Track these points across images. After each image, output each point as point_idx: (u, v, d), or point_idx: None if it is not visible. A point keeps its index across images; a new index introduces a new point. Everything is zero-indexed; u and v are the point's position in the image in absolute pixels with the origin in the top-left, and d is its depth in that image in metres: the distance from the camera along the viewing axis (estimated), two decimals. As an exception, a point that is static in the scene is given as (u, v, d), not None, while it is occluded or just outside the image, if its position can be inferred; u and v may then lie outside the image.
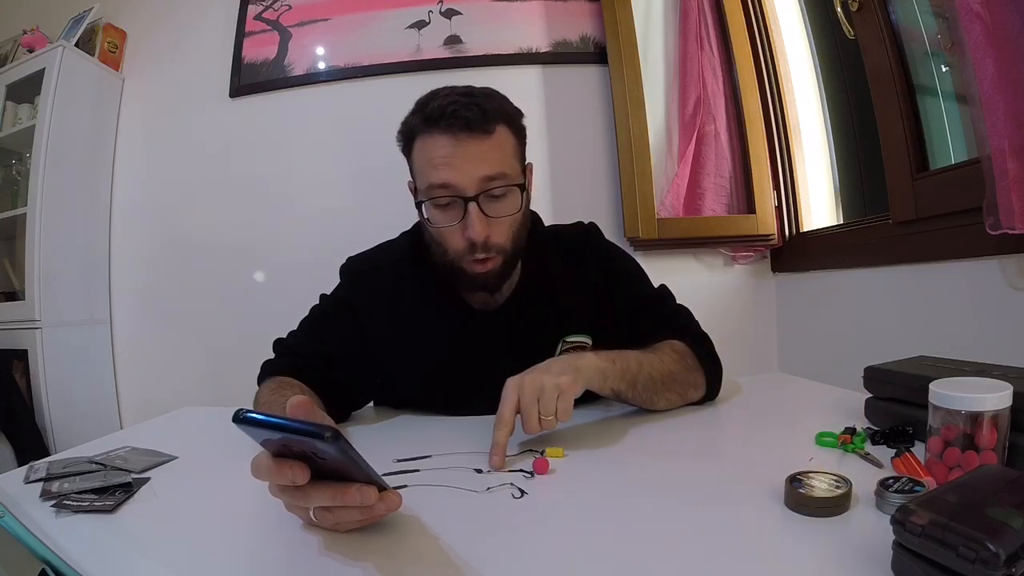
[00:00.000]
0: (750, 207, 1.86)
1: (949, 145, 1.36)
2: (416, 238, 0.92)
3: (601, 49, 1.92)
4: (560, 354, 0.87)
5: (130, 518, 0.54)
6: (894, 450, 0.58)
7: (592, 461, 0.64)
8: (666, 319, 0.90)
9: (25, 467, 0.66)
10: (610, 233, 1.03)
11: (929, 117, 1.36)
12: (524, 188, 0.82)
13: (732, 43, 1.88)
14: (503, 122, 0.79)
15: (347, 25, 1.99)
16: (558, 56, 1.95)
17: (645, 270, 0.98)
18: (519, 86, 1.89)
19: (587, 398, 0.74)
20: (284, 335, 0.90)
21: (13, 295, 1.96)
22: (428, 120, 0.78)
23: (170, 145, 2.09)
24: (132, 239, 2.09)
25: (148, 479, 0.63)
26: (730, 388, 0.91)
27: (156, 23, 2.13)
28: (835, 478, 0.48)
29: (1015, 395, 0.49)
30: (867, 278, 1.51)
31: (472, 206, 0.77)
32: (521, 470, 0.60)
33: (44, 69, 1.89)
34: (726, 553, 0.43)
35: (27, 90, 1.99)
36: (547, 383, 0.66)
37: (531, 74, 1.94)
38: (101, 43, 2.04)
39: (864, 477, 0.50)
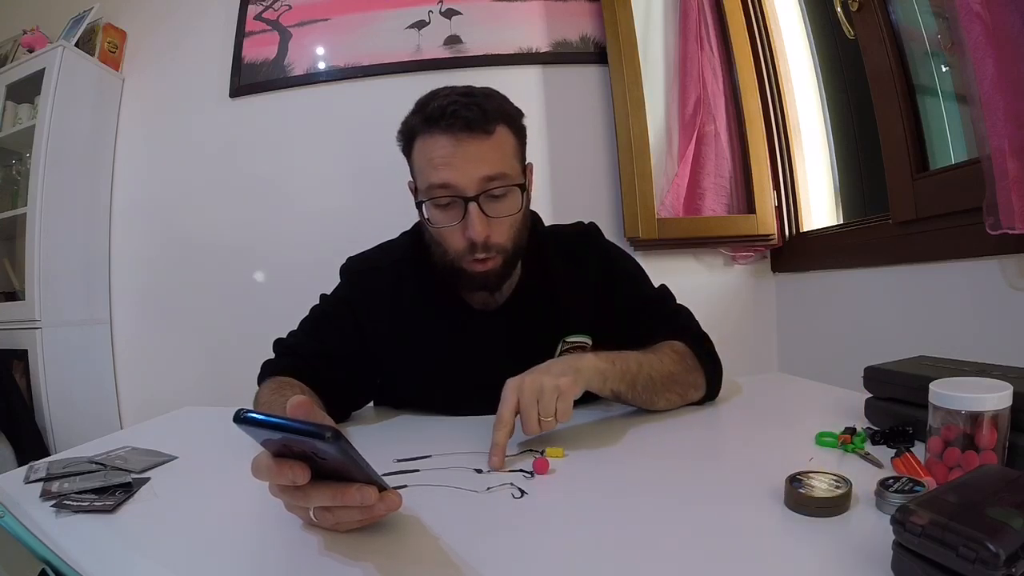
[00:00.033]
0: (750, 207, 1.86)
1: (949, 145, 1.36)
2: (416, 238, 0.92)
3: (601, 49, 1.92)
4: (560, 354, 0.87)
5: (130, 518, 0.54)
6: (894, 450, 0.58)
7: (592, 461, 0.64)
8: (666, 319, 0.90)
9: (25, 467, 0.66)
10: (610, 233, 1.03)
11: (929, 117, 1.36)
12: (524, 188, 0.82)
13: (732, 43, 1.88)
14: (503, 122, 0.79)
15: (347, 25, 1.99)
16: (558, 56, 1.95)
17: (645, 270, 0.98)
18: (519, 86, 1.89)
19: (587, 398, 0.74)
20: (284, 335, 0.90)
21: (13, 295, 1.96)
22: (428, 120, 0.78)
23: (170, 145, 2.09)
24: (132, 239, 2.09)
25: (148, 479, 0.63)
26: (730, 388, 0.91)
27: (156, 23, 2.13)
28: (835, 478, 0.48)
29: (1015, 395, 0.49)
30: (867, 278, 1.51)
31: (472, 206, 0.77)
32: (521, 470, 0.60)
33: (44, 69, 1.89)
34: (726, 553, 0.43)
35: (27, 90, 1.99)
36: (547, 384, 0.66)
37: (531, 74, 1.94)
38: (101, 43, 2.04)
39: (864, 477, 0.50)
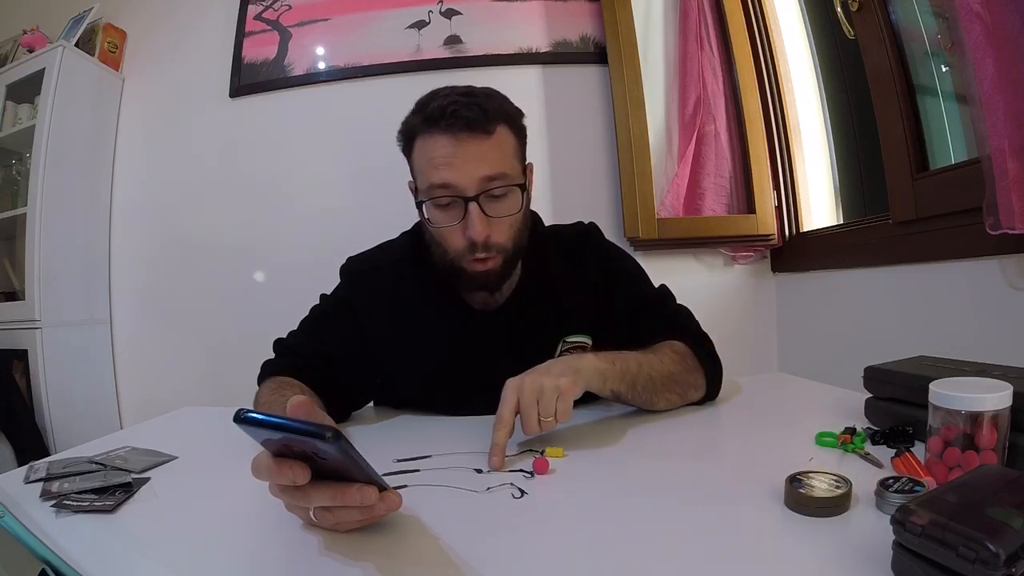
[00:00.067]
0: (750, 207, 1.86)
1: (949, 145, 1.36)
2: (416, 238, 0.92)
3: (601, 49, 1.92)
4: (560, 354, 0.87)
5: (130, 518, 0.54)
6: (894, 450, 0.58)
7: (592, 461, 0.64)
8: (666, 319, 0.90)
9: (25, 467, 0.66)
10: (610, 233, 1.03)
11: (929, 117, 1.36)
12: (524, 188, 0.82)
13: (732, 43, 1.88)
14: (504, 122, 0.79)
15: (347, 25, 1.99)
16: (558, 56, 1.95)
17: (645, 270, 0.98)
18: (519, 86, 1.89)
19: (587, 398, 0.74)
20: (284, 335, 0.90)
21: (13, 295, 1.96)
22: (429, 120, 0.78)
23: (170, 145, 2.09)
24: (132, 239, 2.09)
25: (148, 479, 0.63)
26: (730, 388, 0.91)
27: (156, 23, 2.13)
28: (835, 478, 0.48)
29: (1015, 395, 0.49)
30: (867, 278, 1.51)
31: (473, 206, 0.77)
32: (521, 470, 0.60)
33: (44, 69, 1.89)
34: (726, 553, 0.43)
35: (27, 90, 1.99)
36: (547, 384, 0.66)
37: (531, 74, 1.94)
38: (101, 43, 2.04)
39: (864, 477, 0.50)
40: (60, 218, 1.89)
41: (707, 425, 0.79)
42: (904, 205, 1.34)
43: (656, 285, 0.96)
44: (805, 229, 1.85)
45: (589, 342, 0.90)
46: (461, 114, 0.75)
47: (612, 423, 0.78)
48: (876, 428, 0.65)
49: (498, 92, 0.83)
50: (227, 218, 2.02)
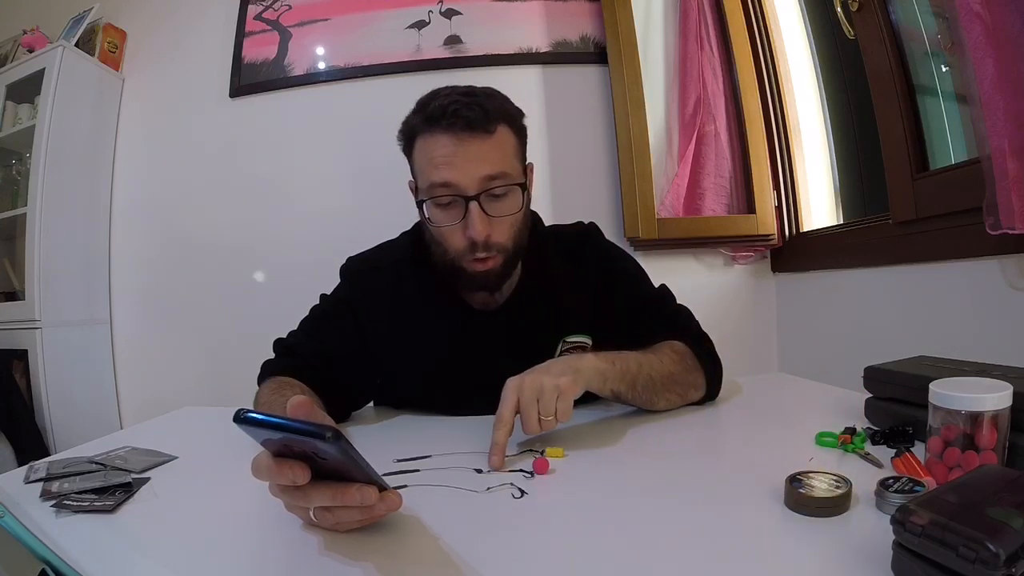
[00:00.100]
0: (750, 207, 1.86)
1: (949, 145, 1.36)
2: (416, 238, 0.92)
3: (601, 49, 1.92)
4: (560, 354, 0.87)
5: (130, 518, 0.54)
6: (894, 450, 0.58)
7: (592, 461, 0.64)
8: (666, 319, 0.90)
9: (25, 467, 0.66)
10: (610, 233, 1.03)
11: (929, 117, 1.36)
12: (525, 187, 0.82)
13: (732, 43, 1.88)
14: (504, 122, 0.80)
15: (347, 25, 1.99)
16: (558, 56, 1.95)
17: (645, 270, 0.98)
18: (519, 86, 1.89)
19: (587, 398, 0.74)
20: (284, 335, 0.90)
21: (13, 295, 1.96)
22: (429, 119, 0.78)
23: (170, 145, 2.09)
24: (132, 239, 2.09)
25: (148, 479, 0.63)
26: (730, 388, 0.91)
27: (156, 23, 2.13)
28: (835, 478, 0.48)
29: (1015, 395, 0.49)
30: (867, 278, 1.51)
31: (473, 205, 0.77)
32: (521, 470, 0.60)
33: (44, 69, 1.89)
34: (726, 553, 0.43)
35: (27, 90, 1.98)
36: (547, 384, 0.66)
37: (531, 74, 1.94)
38: (101, 43, 2.04)
39: (864, 477, 0.50)
40: (60, 218, 1.89)
41: (707, 425, 0.79)
42: (904, 205, 1.34)
43: (656, 285, 0.96)
44: (805, 229, 1.85)
45: (589, 342, 0.90)
46: (462, 113, 0.75)
47: (612, 423, 0.78)
48: (876, 428, 0.65)
49: (499, 92, 0.83)
50: (227, 218, 2.02)
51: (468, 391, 0.82)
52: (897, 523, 0.36)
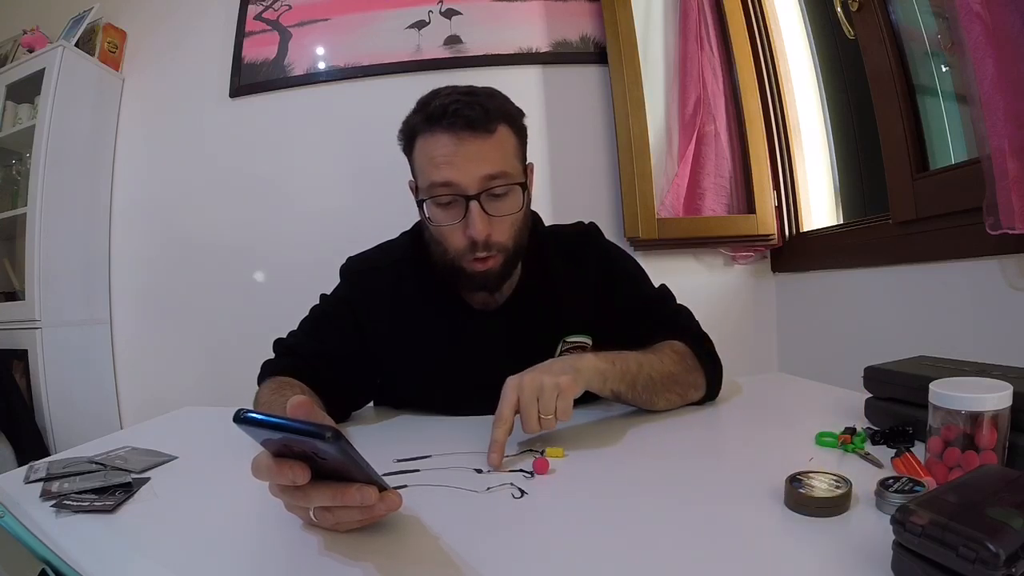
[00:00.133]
0: (750, 207, 1.86)
1: (949, 145, 1.36)
2: (416, 238, 0.92)
3: (601, 49, 1.92)
4: (560, 354, 0.87)
5: (130, 518, 0.54)
6: (894, 450, 0.58)
7: (592, 461, 0.64)
8: (666, 319, 0.90)
9: (25, 467, 0.66)
10: (610, 233, 1.03)
11: (929, 117, 1.36)
12: (525, 187, 0.82)
13: (732, 43, 1.88)
14: (505, 122, 0.80)
15: (347, 25, 1.99)
16: (558, 56, 1.95)
17: (645, 270, 0.98)
18: (519, 86, 1.89)
19: (587, 398, 0.74)
20: (284, 335, 0.90)
21: (13, 295, 1.96)
22: (430, 119, 0.78)
23: (170, 145, 2.09)
24: (132, 239, 2.09)
25: (148, 479, 0.63)
26: (730, 388, 0.91)
27: (156, 23, 2.13)
28: (835, 478, 0.48)
29: (1015, 395, 0.49)
30: (867, 278, 1.51)
31: (474, 204, 0.77)
32: (521, 470, 0.60)
33: (44, 69, 1.89)
34: (726, 553, 0.43)
35: (27, 90, 1.98)
36: (547, 382, 0.66)
37: (531, 74, 1.94)
38: (101, 43, 2.04)
39: (864, 477, 0.50)
40: (60, 218, 1.89)
41: (707, 425, 0.79)
42: (904, 205, 1.34)
43: (656, 285, 0.96)
44: (805, 229, 1.85)
45: (589, 342, 0.90)
46: (463, 113, 0.75)
47: (612, 423, 0.78)
48: (876, 428, 0.65)
49: (499, 92, 0.83)
50: (227, 218, 2.02)
51: (468, 391, 0.82)
52: (897, 523, 0.36)
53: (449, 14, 1.97)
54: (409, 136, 0.82)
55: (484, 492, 0.55)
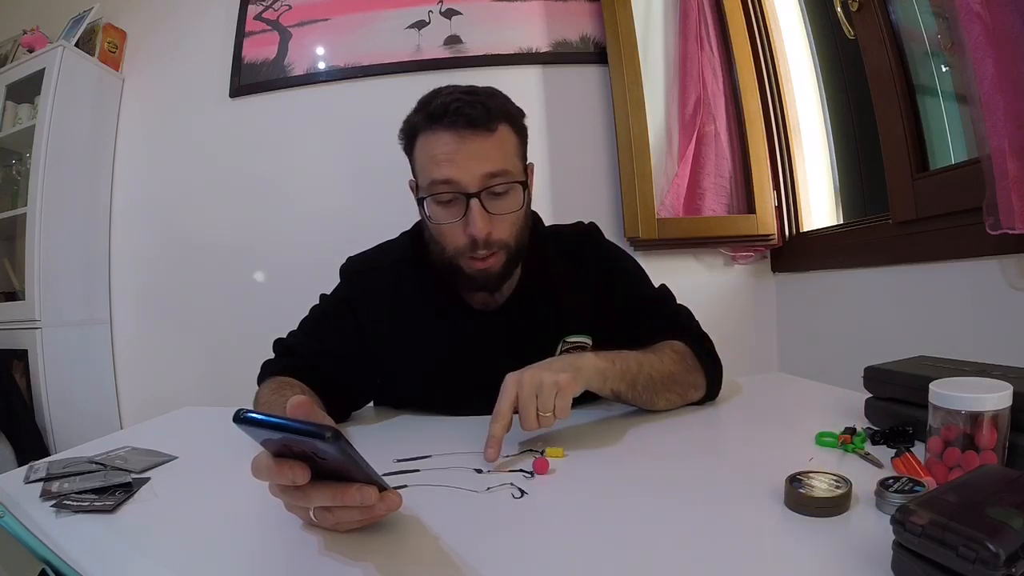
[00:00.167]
0: (750, 207, 1.86)
1: (949, 145, 1.36)
2: (416, 238, 0.92)
3: (601, 49, 1.92)
4: (560, 354, 0.87)
5: (130, 518, 0.54)
6: (894, 450, 0.58)
7: (592, 461, 0.64)
8: (666, 319, 0.90)
9: (25, 467, 0.66)
10: (610, 233, 1.03)
11: (929, 117, 1.36)
12: (526, 186, 0.82)
13: (732, 43, 1.88)
14: (506, 121, 0.80)
15: (347, 25, 1.99)
16: (558, 56, 1.95)
17: (645, 270, 0.98)
18: (519, 86, 1.88)
19: (587, 398, 0.74)
20: (284, 335, 0.90)
21: (13, 295, 1.96)
22: (431, 117, 0.78)
23: (170, 145, 2.09)
24: (132, 239, 2.09)
25: (148, 479, 0.63)
26: (730, 388, 0.91)
27: (156, 23, 2.13)
28: (835, 478, 0.48)
29: (1015, 395, 0.49)
30: (867, 278, 1.51)
31: (474, 202, 0.77)
32: (521, 470, 0.60)
33: (44, 69, 1.89)
34: (726, 553, 0.43)
35: (27, 90, 1.98)
36: (546, 380, 0.66)
37: (531, 74, 1.94)
38: (101, 43, 2.04)
39: (864, 477, 0.50)
40: (60, 218, 1.89)
41: (707, 425, 0.79)
42: (904, 205, 1.34)
43: (656, 285, 0.96)
44: (805, 229, 1.85)
45: (589, 342, 0.90)
46: (464, 111, 0.76)
47: (612, 423, 0.78)
48: (876, 428, 0.65)
49: (500, 92, 0.83)
50: (227, 218, 2.02)
51: (468, 391, 0.82)
52: (897, 523, 0.36)
53: (449, 14, 1.97)
54: (410, 135, 0.82)
55: (484, 492, 0.55)
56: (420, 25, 1.97)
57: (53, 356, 1.83)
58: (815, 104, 1.89)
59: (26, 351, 1.80)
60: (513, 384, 0.66)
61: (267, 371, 0.84)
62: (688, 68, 1.89)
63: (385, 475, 0.47)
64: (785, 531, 0.45)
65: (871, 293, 1.49)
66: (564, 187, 1.90)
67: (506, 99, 0.83)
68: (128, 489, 0.59)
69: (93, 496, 0.56)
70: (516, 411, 0.66)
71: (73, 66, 1.92)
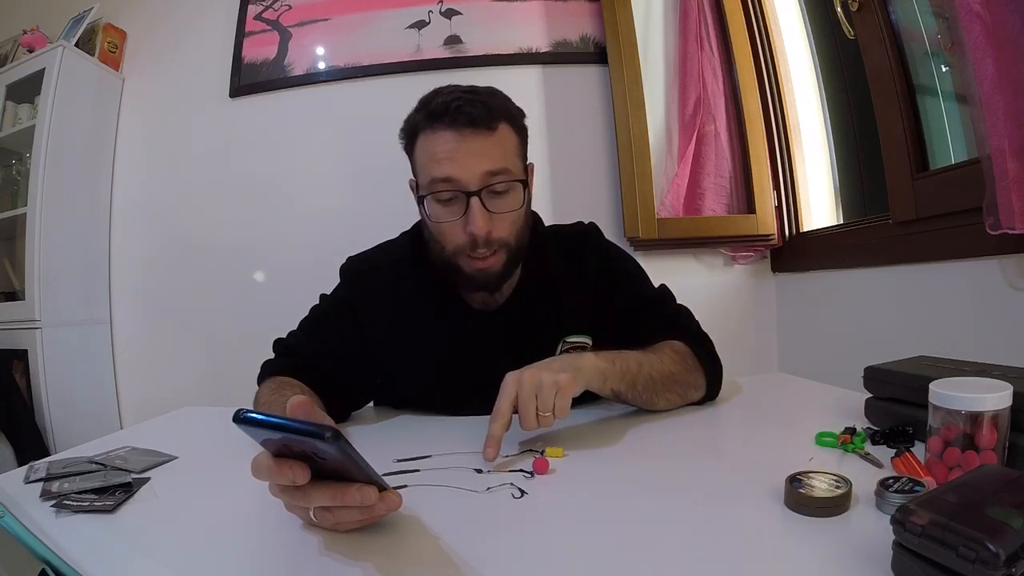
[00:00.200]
0: (750, 207, 1.86)
1: (949, 145, 1.36)
2: (416, 238, 0.92)
3: (601, 49, 1.92)
4: (560, 354, 0.87)
5: (130, 518, 0.54)
6: (894, 450, 0.58)
7: (592, 461, 0.64)
8: (666, 319, 0.90)
9: (25, 467, 0.66)
10: (610, 233, 1.03)
11: (929, 117, 1.36)
12: (526, 185, 0.82)
13: (732, 43, 1.88)
14: (506, 120, 0.80)
15: (347, 25, 1.99)
16: (558, 56, 1.95)
17: (645, 270, 0.98)
18: (519, 86, 1.88)
19: (587, 398, 0.74)
20: (284, 335, 0.90)
21: (13, 295, 1.96)
22: (432, 116, 0.78)
23: (170, 145, 2.09)
24: (132, 239, 2.09)
25: (148, 479, 0.63)
26: (730, 388, 0.91)
27: (156, 23, 2.13)
28: (835, 478, 0.48)
29: (1015, 395, 0.49)
30: (867, 278, 1.51)
31: (474, 200, 0.77)
32: (521, 470, 0.60)
33: (44, 69, 1.89)
34: (726, 553, 0.43)
35: (27, 90, 1.99)
36: (546, 379, 0.66)
37: (531, 74, 1.94)
38: (101, 43, 2.04)
39: (864, 477, 0.50)
40: (60, 218, 1.89)
41: (707, 425, 0.79)
42: (904, 205, 1.34)
43: (656, 285, 0.96)
44: (805, 229, 1.85)
45: (589, 342, 0.90)
46: (464, 110, 0.76)
47: (612, 423, 0.78)
48: (876, 428, 0.65)
49: (501, 91, 0.84)
50: (227, 218, 2.02)
51: (468, 391, 0.81)
52: (897, 523, 0.36)
53: (449, 14, 1.97)
54: (411, 134, 0.82)
55: (484, 492, 0.55)
56: (420, 25, 1.97)
57: (53, 356, 1.83)
58: (815, 104, 1.89)
59: (26, 351, 1.80)
60: (513, 383, 0.66)
61: (267, 371, 0.84)
62: (688, 68, 1.89)
63: (385, 475, 0.47)
64: (785, 531, 0.45)
65: (871, 293, 1.49)
66: (564, 187, 1.90)
67: (507, 99, 0.83)
68: (128, 489, 0.59)
69: (93, 496, 0.56)
70: (516, 411, 0.66)
71: (73, 66, 1.92)
